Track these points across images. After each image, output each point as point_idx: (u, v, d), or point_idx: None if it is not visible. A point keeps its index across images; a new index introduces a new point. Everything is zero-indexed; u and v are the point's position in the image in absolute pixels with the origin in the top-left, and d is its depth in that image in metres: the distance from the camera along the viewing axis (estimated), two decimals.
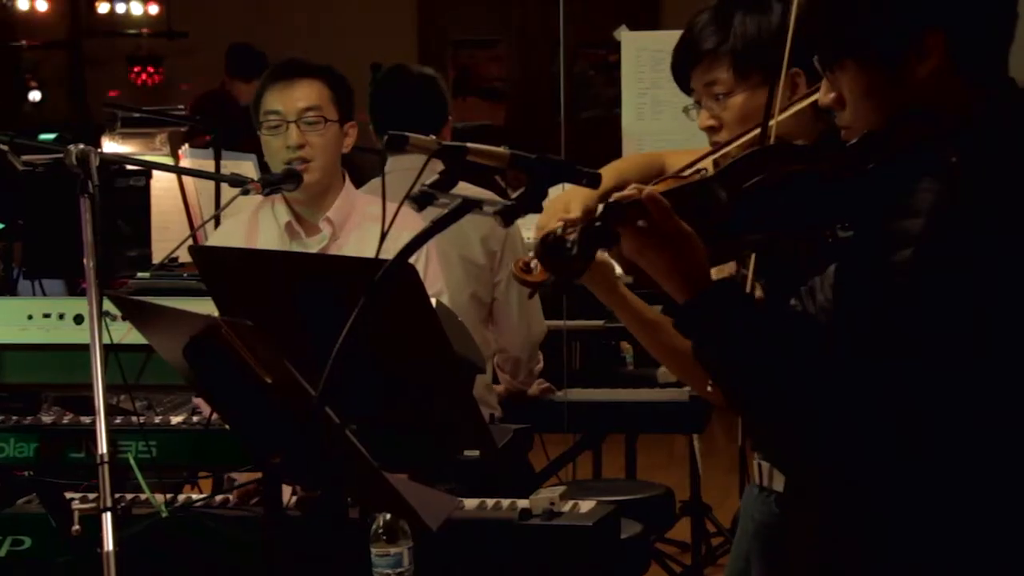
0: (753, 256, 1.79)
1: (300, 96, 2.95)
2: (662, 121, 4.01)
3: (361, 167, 3.29)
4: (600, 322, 4.01)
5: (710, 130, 2.14)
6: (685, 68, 2.14)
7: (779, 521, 2.16)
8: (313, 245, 2.98)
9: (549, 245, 1.56)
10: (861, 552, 1.61)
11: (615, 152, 4.04)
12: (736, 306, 1.59)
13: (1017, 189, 1.55)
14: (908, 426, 1.54)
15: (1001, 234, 1.52)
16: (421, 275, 2.48)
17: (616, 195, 1.63)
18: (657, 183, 1.69)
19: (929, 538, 1.57)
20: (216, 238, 3.21)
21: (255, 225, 3.05)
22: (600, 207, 1.56)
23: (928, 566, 1.58)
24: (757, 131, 1.99)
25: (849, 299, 1.59)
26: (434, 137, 2.00)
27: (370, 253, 2.74)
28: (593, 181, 2.07)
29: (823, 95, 1.66)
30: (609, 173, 2.06)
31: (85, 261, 2.40)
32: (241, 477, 2.72)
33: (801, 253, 1.70)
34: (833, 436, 1.57)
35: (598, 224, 1.53)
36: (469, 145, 1.97)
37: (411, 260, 1.91)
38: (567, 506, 2.54)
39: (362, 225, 2.97)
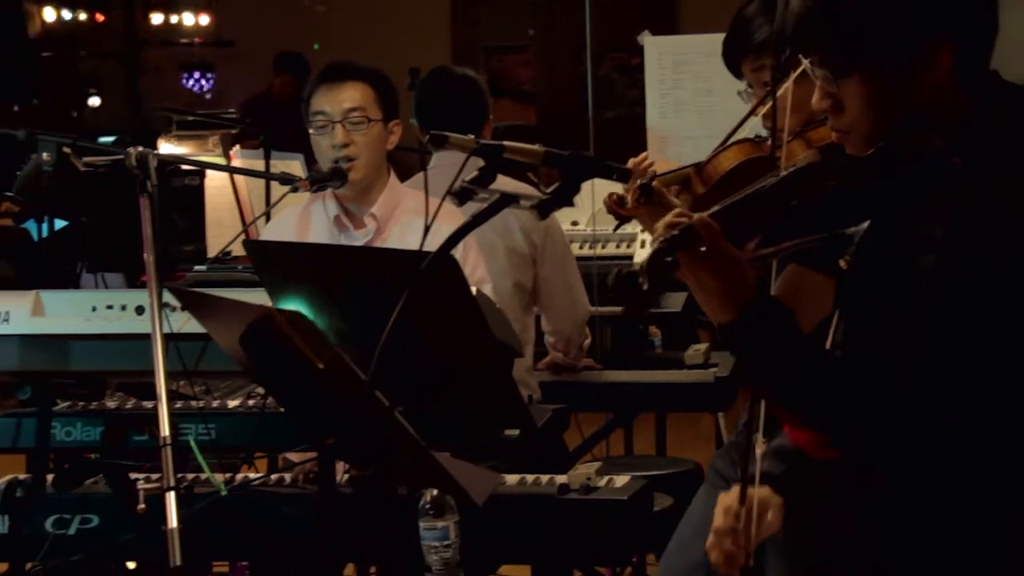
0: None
1: (346, 97, 2.95)
2: (683, 119, 4.02)
3: (402, 165, 3.29)
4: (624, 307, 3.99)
5: (752, 110, 2.18)
6: (736, 57, 2.14)
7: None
8: (360, 238, 2.99)
9: (623, 282, 1.53)
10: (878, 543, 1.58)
11: (639, 147, 4.01)
12: (773, 327, 1.56)
13: (1014, 184, 1.51)
14: (929, 425, 1.50)
15: (1012, 232, 1.48)
16: (461, 265, 2.48)
17: (666, 220, 1.59)
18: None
19: (947, 533, 1.54)
20: (270, 230, 3.22)
21: (307, 218, 3.06)
22: (659, 239, 1.52)
23: (943, 557, 1.55)
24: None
25: (871, 303, 1.56)
26: (473, 136, 2.00)
27: (411, 245, 2.77)
28: (622, 176, 2.07)
29: (818, 100, 1.60)
30: None
31: (145, 255, 2.41)
32: (297, 457, 2.73)
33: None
34: (860, 437, 1.54)
35: (668, 259, 1.50)
36: (506, 143, 1.97)
37: (453, 251, 1.90)
38: (603, 481, 2.54)
39: (403, 219, 2.98)
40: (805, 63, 1.60)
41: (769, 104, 2.13)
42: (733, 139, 2.17)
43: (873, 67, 1.54)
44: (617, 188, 2.38)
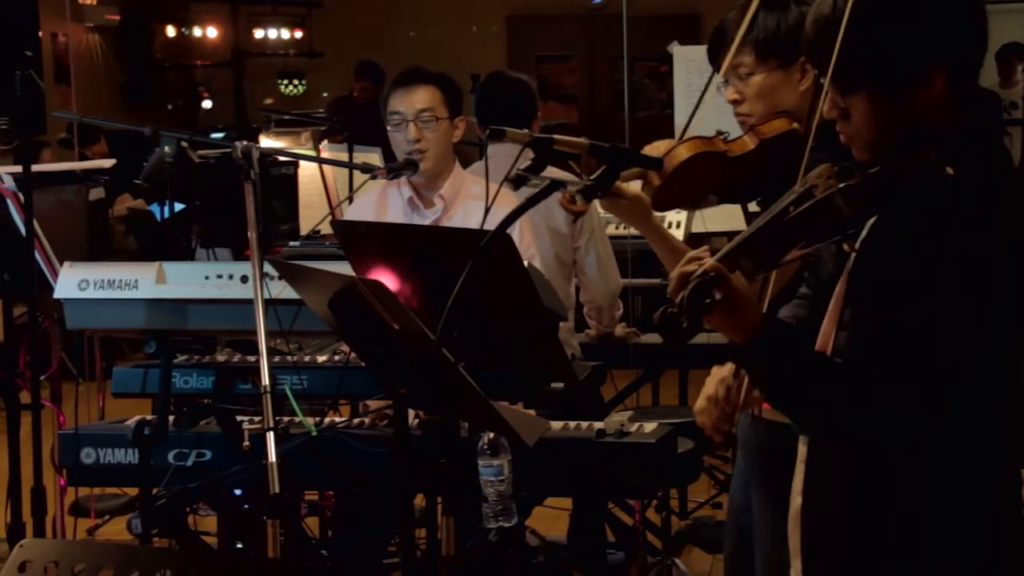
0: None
1: (418, 99, 2.93)
2: (706, 117, 3.95)
3: (461, 155, 3.27)
4: (657, 280, 3.95)
5: (734, 103, 2.12)
6: (718, 52, 2.12)
7: (771, 447, 2.07)
8: (430, 216, 2.98)
9: (666, 322, 1.47)
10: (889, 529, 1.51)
11: None
12: (780, 347, 1.52)
13: (1000, 189, 1.48)
14: (929, 415, 1.45)
15: (993, 229, 1.44)
16: (517, 243, 2.46)
17: (682, 269, 1.53)
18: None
19: (948, 518, 1.48)
20: (353, 211, 3.22)
21: (384, 201, 3.05)
22: (693, 282, 1.47)
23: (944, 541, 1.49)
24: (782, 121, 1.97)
25: (872, 302, 1.51)
26: (527, 130, 1.97)
27: (473, 224, 2.75)
28: (655, 165, 2.04)
29: (828, 110, 1.56)
30: None
31: (249, 233, 2.41)
32: (374, 404, 2.72)
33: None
34: (863, 431, 1.49)
35: (708, 301, 1.47)
36: (555, 136, 1.94)
37: (508, 230, 1.88)
38: (634, 427, 2.52)
39: (467, 202, 2.97)
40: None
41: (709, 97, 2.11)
42: (688, 133, 2.13)
43: (876, 86, 1.51)
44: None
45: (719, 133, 2.11)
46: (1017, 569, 1.51)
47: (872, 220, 1.52)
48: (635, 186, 2.07)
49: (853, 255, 1.56)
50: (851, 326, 1.54)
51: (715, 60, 2.13)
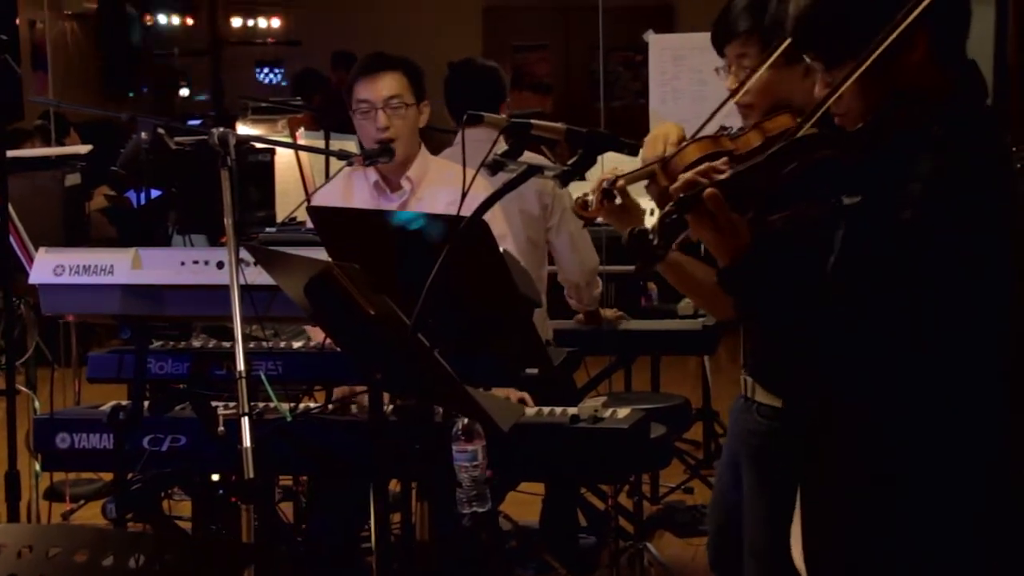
0: None
1: (384, 87, 2.89)
2: (680, 104, 3.98)
3: (430, 142, 3.23)
4: (631, 267, 3.93)
5: (733, 91, 2.07)
6: (722, 40, 2.07)
7: (763, 429, 2.09)
8: (396, 199, 2.95)
9: (634, 238, 1.46)
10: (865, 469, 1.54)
11: (642, 131, 3.95)
12: (761, 271, 1.53)
13: (985, 149, 1.50)
14: (911, 350, 1.47)
15: (979, 187, 1.47)
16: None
17: (680, 186, 1.53)
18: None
19: (928, 455, 1.50)
20: (319, 198, 3.18)
21: (350, 186, 3.01)
22: (670, 203, 1.47)
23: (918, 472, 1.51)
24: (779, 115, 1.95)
25: (860, 251, 1.52)
26: (504, 115, 1.95)
27: (440, 208, 2.72)
28: (632, 150, 2.02)
29: (820, 89, 1.57)
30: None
31: (225, 219, 2.37)
32: (338, 392, 2.69)
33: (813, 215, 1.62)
34: (834, 360, 1.51)
35: (674, 216, 1.45)
36: (533, 121, 1.92)
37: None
38: (608, 413, 2.50)
39: (434, 185, 2.93)
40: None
41: (744, 89, 2.05)
42: (701, 133, 2.09)
43: (860, 54, 1.51)
44: (624, 165, 2.29)
45: (721, 129, 2.07)
46: (1007, 550, 1.51)
47: (858, 200, 1.52)
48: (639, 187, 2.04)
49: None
50: (847, 280, 1.54)
51: (719, 45, 2.08)
